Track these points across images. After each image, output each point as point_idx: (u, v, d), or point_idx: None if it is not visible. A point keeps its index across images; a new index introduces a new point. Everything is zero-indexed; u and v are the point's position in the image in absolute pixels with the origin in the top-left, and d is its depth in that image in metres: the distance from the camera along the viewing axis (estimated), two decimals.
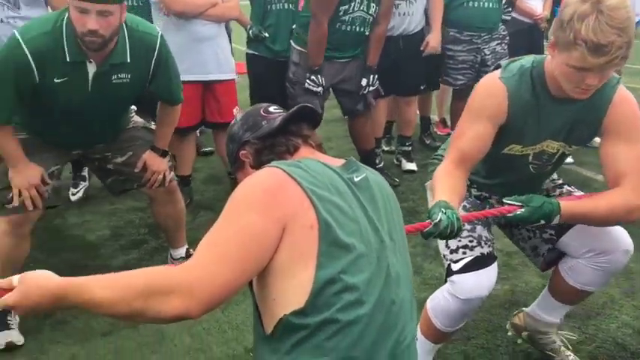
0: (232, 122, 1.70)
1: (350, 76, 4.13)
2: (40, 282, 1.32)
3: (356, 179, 1.48)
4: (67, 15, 2.48)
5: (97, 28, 2.40)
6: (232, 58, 4.16)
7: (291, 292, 1.33)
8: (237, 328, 2.79)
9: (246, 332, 2.73)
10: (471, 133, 2.06)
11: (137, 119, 3.12)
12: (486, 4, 4.58)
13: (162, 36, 2.73)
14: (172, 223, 3.18)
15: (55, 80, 2.52)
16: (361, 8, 3.90)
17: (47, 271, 1.36)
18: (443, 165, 2.09)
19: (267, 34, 4.22)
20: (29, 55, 2.44)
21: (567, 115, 2.07)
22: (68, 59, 2.50)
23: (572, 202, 2.08)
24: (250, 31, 4.27)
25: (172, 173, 3.06)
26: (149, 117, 3.36)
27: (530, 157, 2.18)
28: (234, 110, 4.01)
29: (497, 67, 2.15)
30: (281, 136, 1.57)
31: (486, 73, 3.75)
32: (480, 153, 2.08)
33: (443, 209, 1.82)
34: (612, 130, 2.04)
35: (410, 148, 4.94)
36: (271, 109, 1.65)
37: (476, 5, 4.59)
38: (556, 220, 2.02)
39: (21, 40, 2.45)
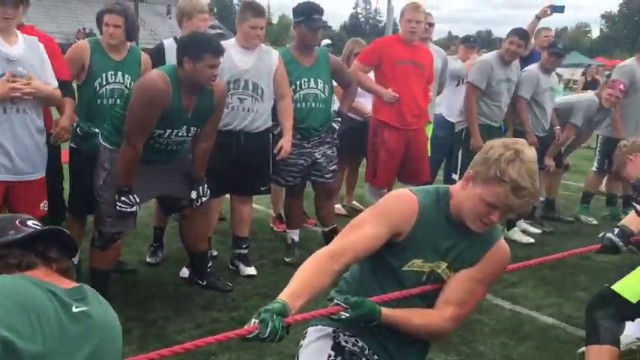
0: None
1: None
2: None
3: (75, 309, 1.42)
4: None
5: None
6: None
7: None
8: None
9: None
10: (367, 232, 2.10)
11: None
12: (314, 105, 4.60)
13: None
14: None
15: None
16: (180, 134, 3.71)
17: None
18: (319, 251, 2.07)
19: (97, 130, 3.91)
20: None
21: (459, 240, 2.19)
22: None
23: (392, 312, 2.13)
24: (78, 129, 3.99)
25: None
26: None
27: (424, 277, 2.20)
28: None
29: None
30: (17, 249, 1.49)
31: (317, 174, 4.66)
32: (365, 253, 2.10)
33: (273, 315, 1.78)
34: (477, 267, 2.20)
35: (246, 251, 4.59)
36: (30, 222, 1.56)
37: (304, 106, 4.57)
38: (375, 323, 2.10)
39: None
